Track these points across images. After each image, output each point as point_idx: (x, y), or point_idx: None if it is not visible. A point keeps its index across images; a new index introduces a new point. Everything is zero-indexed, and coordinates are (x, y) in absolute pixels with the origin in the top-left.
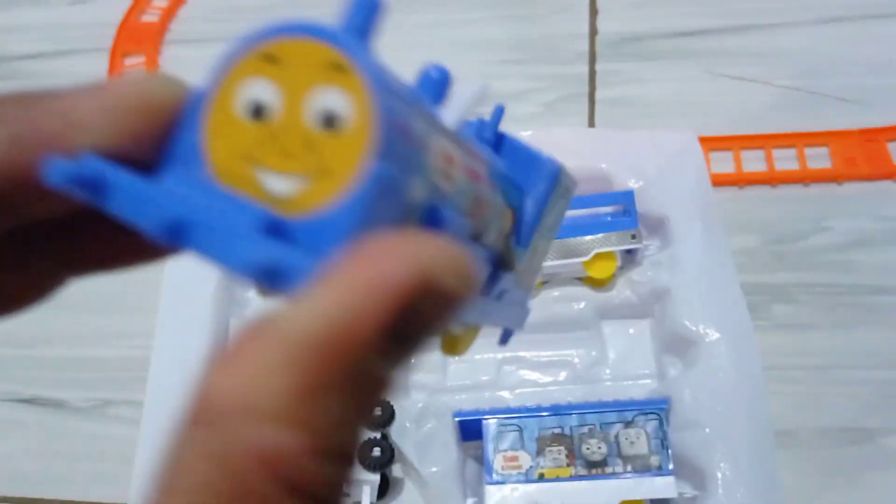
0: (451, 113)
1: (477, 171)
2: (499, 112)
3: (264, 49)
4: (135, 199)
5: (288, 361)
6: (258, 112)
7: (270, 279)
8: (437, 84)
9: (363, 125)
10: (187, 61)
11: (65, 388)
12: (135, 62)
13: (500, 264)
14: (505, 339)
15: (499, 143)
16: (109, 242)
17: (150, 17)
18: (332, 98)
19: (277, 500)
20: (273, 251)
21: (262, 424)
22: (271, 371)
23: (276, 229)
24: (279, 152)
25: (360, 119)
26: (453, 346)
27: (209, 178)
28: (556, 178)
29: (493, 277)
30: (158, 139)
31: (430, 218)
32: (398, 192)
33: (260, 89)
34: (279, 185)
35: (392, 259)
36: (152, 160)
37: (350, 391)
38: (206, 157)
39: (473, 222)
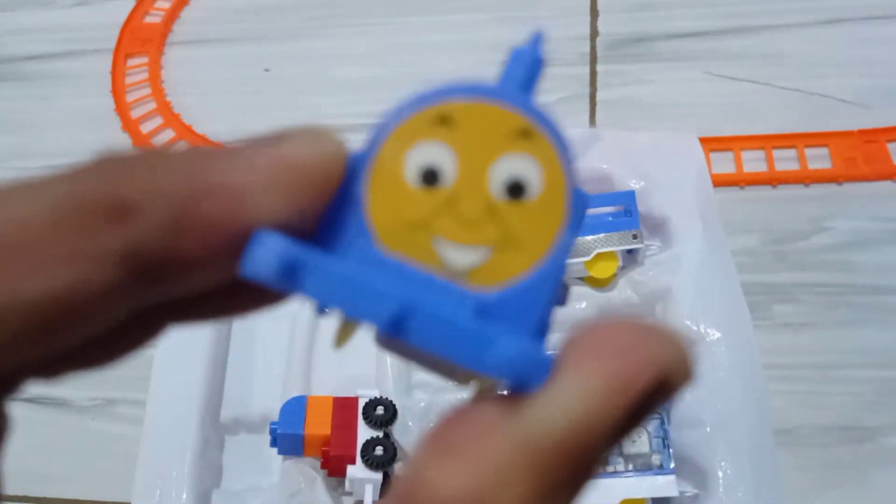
0: None
1: None
2: (537, 38)
3: (437, 111)
4: (342, 287)
5: (529, 465)
6: (430, 178)
7: (520, 380)
8: (530, 65)
9: (555, 195)
10: (190, 62)
11: (68, 386)
12: (138, 62)
13: None
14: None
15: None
16: (228, 295)
17: (154, 18)
18: (520, 166)
19: None
20: (517, 348)
21: None
22: (511, 474)
23: (482, 310)
24: (458, 222)
25: (551, 188)
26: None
27: (381, 249)
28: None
29: None
30: (323, 206)
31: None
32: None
33: (433, 153)
34: (461, 256)
35: (635, 357)
36: (307, 230)
37: (580, 486)
38: (373, 226)
39: None
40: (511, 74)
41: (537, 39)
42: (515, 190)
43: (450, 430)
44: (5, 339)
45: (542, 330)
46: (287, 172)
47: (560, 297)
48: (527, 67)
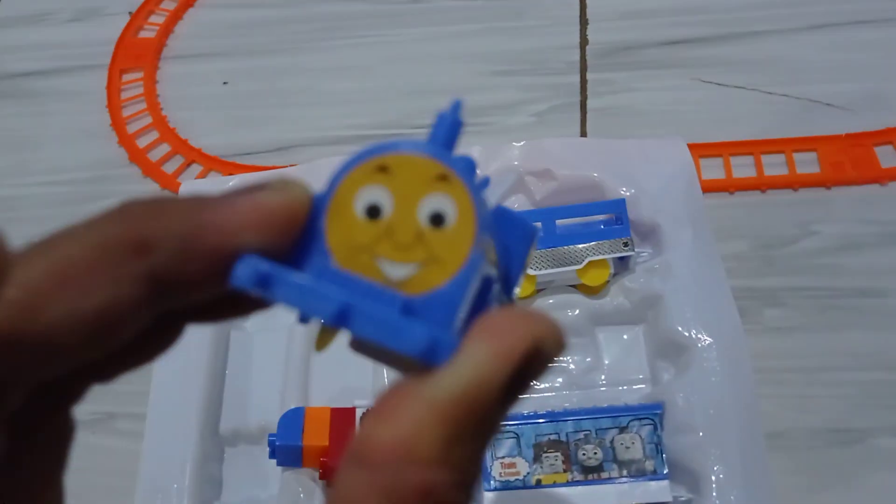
0: (494, 197)
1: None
2: (456, 105)
3: (377, 161)
4: (300, 293)
5: (439, 418)
6: (374, 212)
7: (429, 357)
8: (450, 126)
9: (466, 223)
10: (184, 77)
11: None
12: (133, 78)
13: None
14: None
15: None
16: (226, 302)
17: (148, 34)
18: (440, 202)
19: None
20: (429, 333)
21: (423, 468)
22: (426, 426)
23: (409, 308)
24: (394, 245)
25: (463, 218)
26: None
27: (337, 266)
28: (533, 239)
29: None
30: (295, 235)
31: (486, 285)
32: (480, 271)
33: (374, 194)
34: (396, 271)
35: (513, 334)
36: (284, 252)
37: (481, 436)
38: (331, 250)
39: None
40: (436, 133)
41: (457, 106)
42: (437, 220)
43: (384, 401)
44: (70, 344)
45: (457, 321)
46: (261, 215)
47: (492, 295)
48: (448, 127)
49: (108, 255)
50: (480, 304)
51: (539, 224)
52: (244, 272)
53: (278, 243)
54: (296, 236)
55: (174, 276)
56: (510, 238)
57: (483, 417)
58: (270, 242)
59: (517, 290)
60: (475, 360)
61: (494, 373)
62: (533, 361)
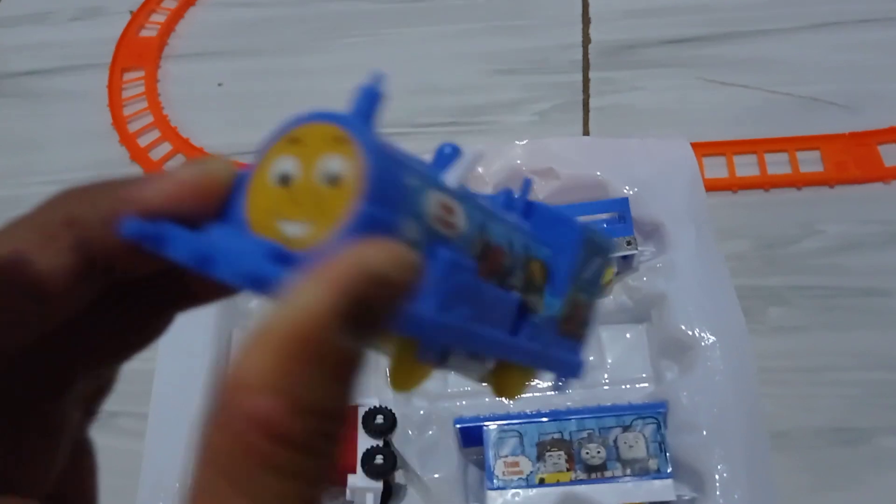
0: (454, 175)
1: (488, 223)
2: (527, 184)
3: (290, 134)
4: (182, 245)
5: (270, 347)
6: (285, 180)
7: (257, 286)
8: (448, 157)
9: (355, 180)
10: (186, 75)
11: None
12: (135, 76)
13: (527, 307)
14: (558, 386)
15: (529, 209)
16: (201, 284)
17: (149, 32)
18: (334, 162)
19: (271, 451)
20: (261, 267)
21: (252, 394)
22: (255, 355)
23: (284, 259)
24: (294, 206)
25: (354, 176)
26: (406, 378)
27: (247, 229)
28: (581, 237)
29: (520, 317)
30: (217, 206)
31: (430, 254)
32: (388, 229)
33: (286, 163)
34: (293, 229)
35: (342, 262)
36: (217, 219)
37: (318, 363)
38: (248, 217)
39: (485, 265)
40: (357, 105)
41: (378, 78)
42: (332, 180)
43: (247, 337)
44: (25, 307)
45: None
46: (175, 188)
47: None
48: (365, 98)
49: (46, 231)
50: (447, 271)
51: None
52: (131, 225)
53: (196, 214)
54: (216, 207)
55: (102, 247)
56: (552, 235)
57: (320, 346)
58: (186, 213)
59: (582, 295)
60: (304, 290)
61: (323, 301)
62: (371, 288)
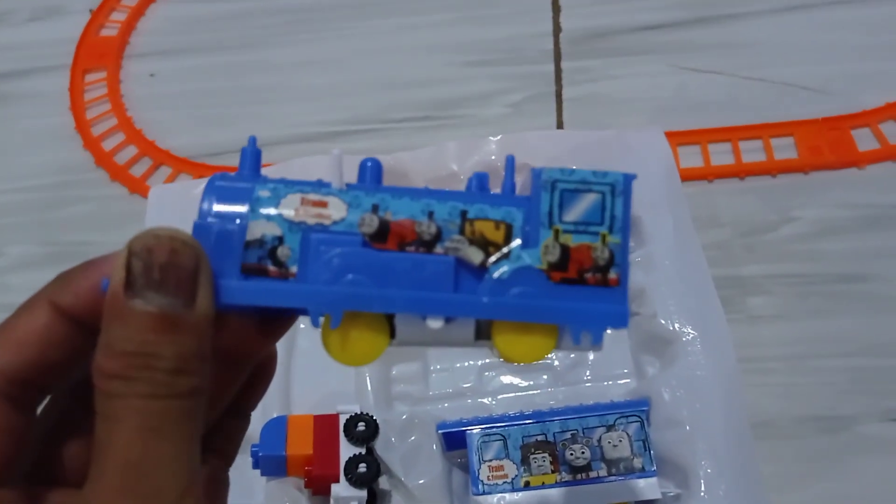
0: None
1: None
2: (510, 161)
3: None
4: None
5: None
6: None
7: None
8: (371, 168)
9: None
10: (149, 75)
11: None
12: (96, 78)
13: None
14: (591, 345)
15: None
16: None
17: (110, 31)
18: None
19: (104, 384)
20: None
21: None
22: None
23: None
24: None
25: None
26: (345, 346)
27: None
28: (538, 181)
29: (466, 275)
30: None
31: (304, 239)
32: (227, 236)
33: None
34: None
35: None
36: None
37: (119, 318)
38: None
39: (391, 237)
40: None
41: (252, 141)
42: None
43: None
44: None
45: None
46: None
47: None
48: (249, 157)
49: (45, 308)
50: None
51: None
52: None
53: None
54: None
55: (82, 314)
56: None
57: (116, 308)
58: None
59: (583, 238)
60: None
61: (115, 276)
62: (132, 259)
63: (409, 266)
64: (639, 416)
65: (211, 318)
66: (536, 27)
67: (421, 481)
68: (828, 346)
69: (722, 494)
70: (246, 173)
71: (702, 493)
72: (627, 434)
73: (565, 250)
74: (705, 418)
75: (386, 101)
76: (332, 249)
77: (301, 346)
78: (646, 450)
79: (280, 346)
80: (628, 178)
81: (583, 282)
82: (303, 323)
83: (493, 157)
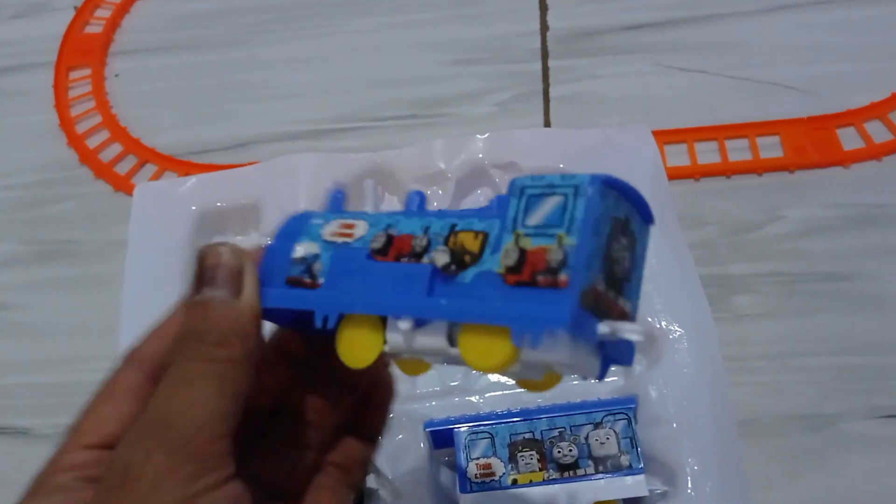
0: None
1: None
2: (421, 196)
3: None
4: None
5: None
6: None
7: None
8: (337, 197)
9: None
10: (135, 72)
11: (27, 415)
12: (81, 75)
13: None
14: (600, 375)
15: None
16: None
17: (94, 29)
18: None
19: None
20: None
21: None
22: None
23: None
24: None
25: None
26: (344, 347)
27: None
28: (512, 189)
29: (440, 281)
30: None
31: (332, 255)
32: (284, 255)
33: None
34: None
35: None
36: None
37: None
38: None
39: (392, 249)
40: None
41: (336, 190)
42: None
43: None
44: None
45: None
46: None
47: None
48: (332, 201)
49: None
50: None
51: None
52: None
53: None
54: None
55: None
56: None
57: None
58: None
59: (540, 240)
60: None
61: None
62: (197, 265)
63: (395, 274)
64: (626, 414)
65: (252, 307)
66: (523, 26)
67: (408, 480)
68: (813, 345)
69: (708, 491)
70: (326, 212)
71: (688, 491)
72: (615, 432)
73: (523, 253)
74: (692, 416)
75: (373, 100)
76: (342, 263)
77: None
78: (633, 447)
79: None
80: (595, 180)
81: (534, 284)
82: None
83: (480, 156)
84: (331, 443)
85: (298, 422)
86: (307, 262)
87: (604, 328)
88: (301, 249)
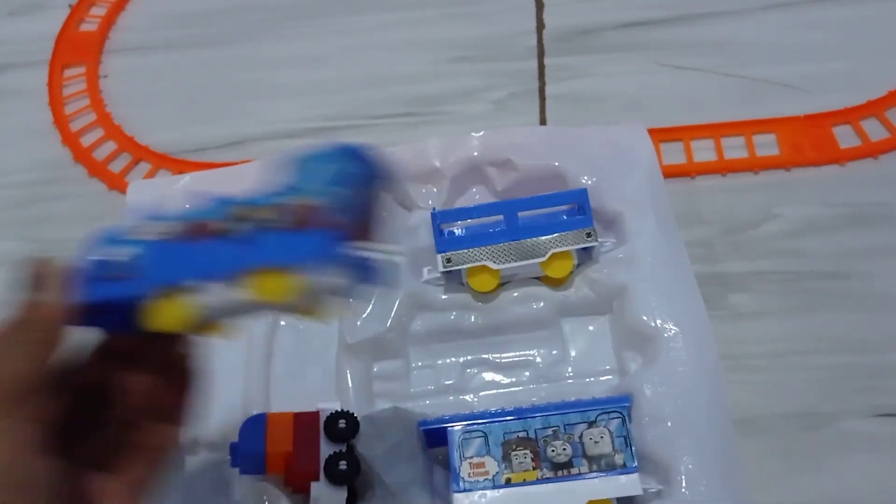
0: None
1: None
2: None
3: None
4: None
5: None
6: None
7: None
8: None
9: None
10: (129, 70)
11: None
12: (75, 73)
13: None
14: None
15: None
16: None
17: (89, 26)
18: None
19: None
20: None
21: None
22: None
23: None
24: None
25: None
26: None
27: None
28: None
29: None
30: None
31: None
32: (106, 263)
33: None
34: None
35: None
36: None
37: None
38: None
39: (198, 231)
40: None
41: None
42: None
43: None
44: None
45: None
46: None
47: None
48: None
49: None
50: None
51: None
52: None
53: None
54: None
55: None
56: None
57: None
58: None
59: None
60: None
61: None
62: (20, 274)
63: (200, 246)
64: (620, 413)
65: (58, 302)
66: (520, 24)
67: (402, 479)
68: (810, 343)
69: (703, 490)
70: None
71: (683, 490)
72: (609, 430)
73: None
74: (687, 415)
75: (369, 98)
76: (158, 253)
77: (281, 343)
78: (627, 446)
79: (259, 343)
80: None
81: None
82: (282, 320)
83: (476, 154)
84: (138, 424)
85: (107, 404)
86: (128, 261)
87: (350, 251)
88: (117, 253)
